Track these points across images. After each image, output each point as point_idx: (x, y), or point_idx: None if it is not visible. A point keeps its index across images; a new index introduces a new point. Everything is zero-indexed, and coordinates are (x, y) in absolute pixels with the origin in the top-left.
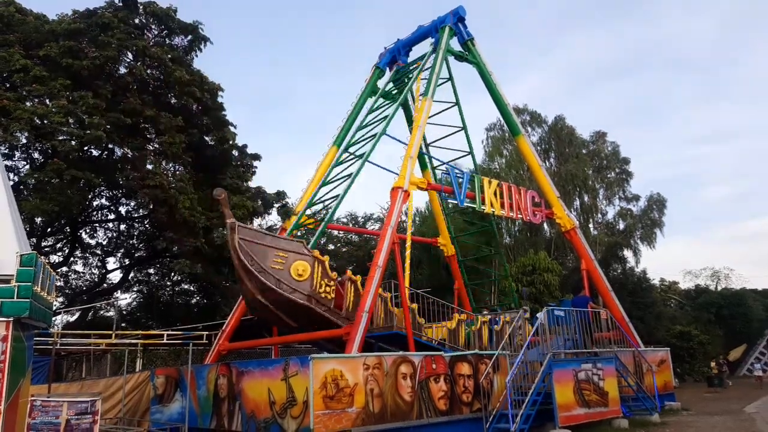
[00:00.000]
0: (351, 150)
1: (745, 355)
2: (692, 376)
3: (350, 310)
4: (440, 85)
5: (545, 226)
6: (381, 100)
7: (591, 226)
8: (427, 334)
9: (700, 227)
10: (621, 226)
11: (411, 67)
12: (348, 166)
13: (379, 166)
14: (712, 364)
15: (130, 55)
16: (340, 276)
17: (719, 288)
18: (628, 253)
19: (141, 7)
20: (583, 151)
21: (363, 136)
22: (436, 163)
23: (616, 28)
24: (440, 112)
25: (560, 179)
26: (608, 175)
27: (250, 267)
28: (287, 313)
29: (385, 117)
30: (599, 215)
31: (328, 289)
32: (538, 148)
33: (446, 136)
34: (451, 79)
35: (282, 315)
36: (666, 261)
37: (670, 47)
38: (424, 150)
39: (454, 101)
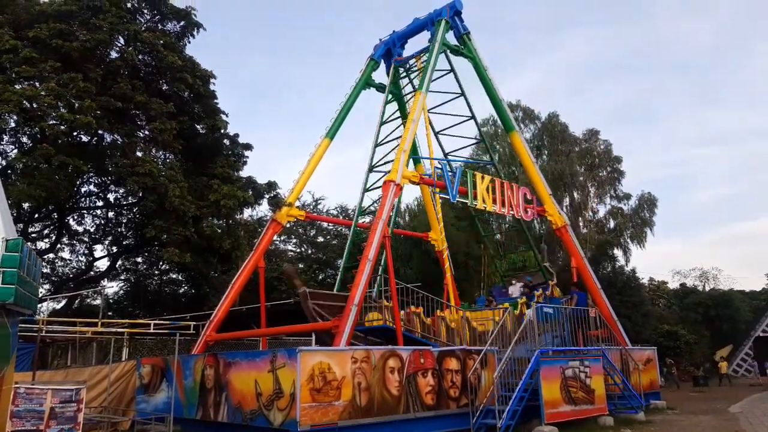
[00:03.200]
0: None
1: (731, 356)
2: (678, 376)
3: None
4: (439, 78)
5: (535, 222)
6: (377, 93)
7: (581, 223)
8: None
9: (690, 228)
10: (611, 224)
11: (410, 62)
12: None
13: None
14: (722, 363)
15: (121, 40)
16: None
17: (707, 288)
18: (618, 252)
19: None
20: (576, 149)
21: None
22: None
23: (612, 28)
24: (444, 103)
25: (550, 176)
26: (600, 174)
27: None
28: None
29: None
30: (590, 213)
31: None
32: (531, 144)
33: (454, 126)
34: (453, 70)
35: None
36: (655, 261)
37: (665, 49)
38: (419, 143)
39: (459, 92)
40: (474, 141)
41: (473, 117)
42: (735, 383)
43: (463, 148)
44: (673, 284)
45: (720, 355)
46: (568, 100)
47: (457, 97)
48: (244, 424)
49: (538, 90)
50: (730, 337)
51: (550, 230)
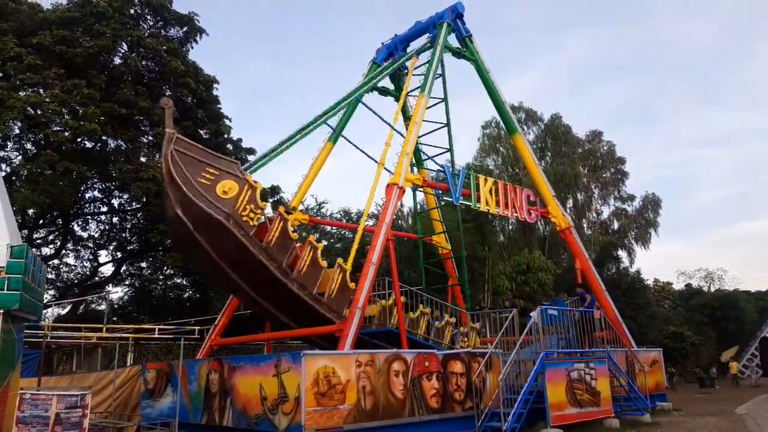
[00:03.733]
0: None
1: (738, 357)
2: (684, 377)
3: (333, 296)
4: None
5: (539, 224)
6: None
7: (585, 225)
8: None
9: (694, 229)
10: (615, 225)
11: (406, 62)
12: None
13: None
14: (733, 364)
15: (125, 46)
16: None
17: (713, 289)
18: (622, 253)
19: None
20: (579, 150)
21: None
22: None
23: (613, 29)
24: (429, 107)
25: (553, 177)
26: (604, 175)
27: (176, 177)
28: (212, 242)
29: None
30: (594, 215)
31: (252, 215)
32: (534, 146)
33: (429, 133)
34: (442, 75)
35: (209, 248)
36: (660, 261)
37: (666, 50)
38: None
39: (443, 97)
40: (443, 150)
41: (448, 124)
42: (742, 384)
43: (438, 155)
44: (678, 285)
45: (728, 355)
46: (570, 101)
47: (439, 103)
48: (249, 428)
49: (540, 91)
50: (736, 338)
51: (554, 232)
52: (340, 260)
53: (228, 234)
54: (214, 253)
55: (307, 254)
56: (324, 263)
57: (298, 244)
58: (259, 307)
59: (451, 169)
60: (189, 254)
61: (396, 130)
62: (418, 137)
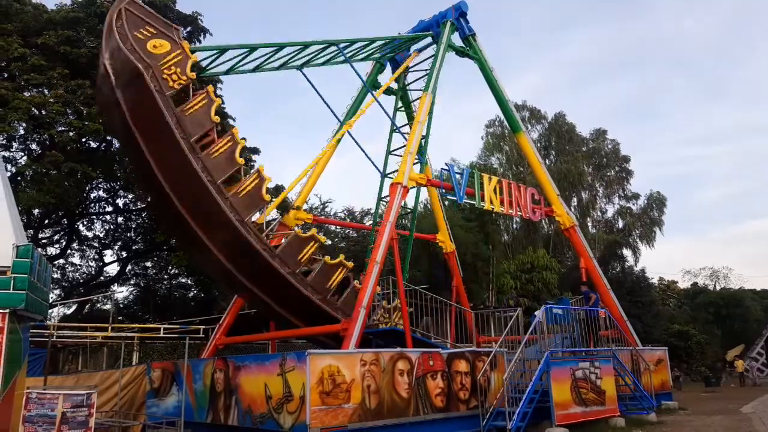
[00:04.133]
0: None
1: (743, 356)
2: (690, 376)
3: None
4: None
5: (543, 223)
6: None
7: (590, 223)
8: None
9: (699, 227)
10: (620, 224)
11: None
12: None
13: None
14: (739, 362)
15: None
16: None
17: (718, 288)
18: (627, 252)
19: None
20: (583, 149)
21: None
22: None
23: (617, 26)
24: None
25: (557, 176)
26: (608, 173)
27: (115, 28)
28: (131, 100)
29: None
30: (598, 213)
31: (175, 77)
32: (538, 144)
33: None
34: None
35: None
36: (665, 260)
37: (671, 46)
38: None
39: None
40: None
41: (428, 120)
42: (748, 382)
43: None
44: (683, 284)
45: (734, 354)
46: (573, 98)
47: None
48: (254, 427)
49: (544, 89)
50: (742, 337)
51: (558, 231)
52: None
53: (143, 87)
54: (130, 117)
55: (224, 144)
56: (241, 160)
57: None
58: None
59: (447, 166)
60: (113, 131)
61: (399, 132)
62: (399, 128)
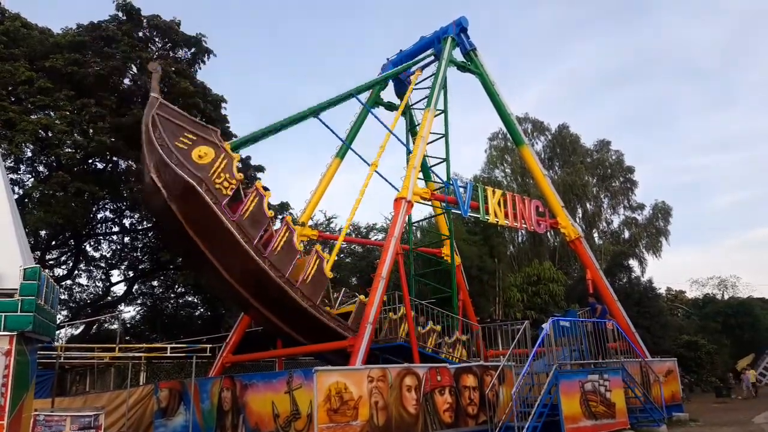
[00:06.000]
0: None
1: (754, 365)
2: (700, 387)
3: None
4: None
5: (549, 235)
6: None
7: (595, 235)
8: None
9: (706, 236)
10: (626, 235)
11: (410, 77)
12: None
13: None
14: (751, 372)
15: (134, 68)
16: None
17: (726, 297)
18: (633, 263)
19: (145, 20)
20: (587, 160)
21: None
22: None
23: (619, 36)
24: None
25: (562, 187)
26: (613, 184)
27: (155, 140)
28: (184, 211)
29: None
30: (604, 224)
31: (226, 184)
32: (542, 156)
33: (428, 143)
34: (444, 87)
35: (179, 213)
36: (672, 270)
37: (675, 54)
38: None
39: (443, 109)
40: (439, 161)
41: (446, 135)
42: (761, 393)
43: (435, 165)
44: (691, 293)
45: (744, 363)
46: (577, 110)
47: (438, 114)
48: None
49: (547, 101)
50: (752, 346)
51: (564, 242)
52: (318, 247)
53: (199, 200)
54: (186, 224)
55: (282, 235)
56: (300, 246)
57: (276, 227)
58: (243, 301)
59: (451, 180)
60: (168, 234)
61: (401, 141)
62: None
